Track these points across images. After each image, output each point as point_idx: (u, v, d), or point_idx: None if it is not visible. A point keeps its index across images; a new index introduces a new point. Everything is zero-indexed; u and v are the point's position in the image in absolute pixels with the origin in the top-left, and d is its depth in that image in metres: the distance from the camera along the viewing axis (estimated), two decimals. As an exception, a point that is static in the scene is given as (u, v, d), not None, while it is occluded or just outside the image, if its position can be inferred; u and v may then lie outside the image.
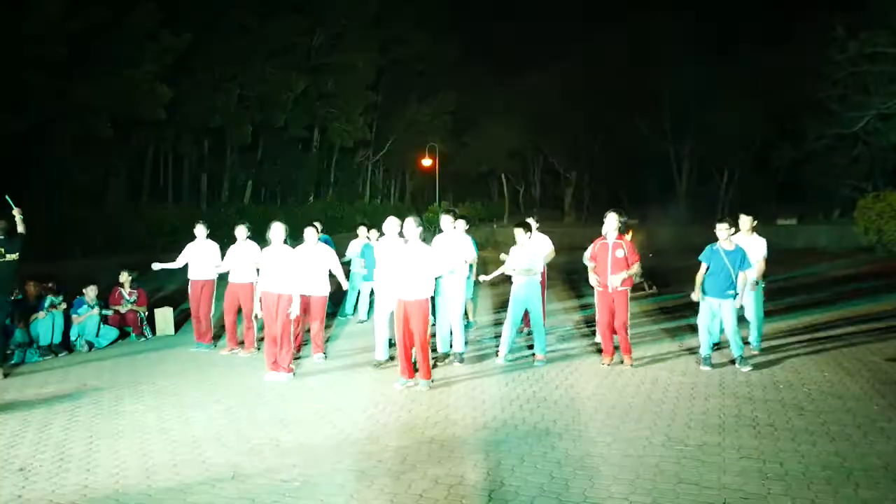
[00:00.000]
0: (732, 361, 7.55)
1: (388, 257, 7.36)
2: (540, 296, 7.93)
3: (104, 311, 9.83)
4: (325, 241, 9.77)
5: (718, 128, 36.07)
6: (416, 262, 6.80)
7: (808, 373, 7.22)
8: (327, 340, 9.35)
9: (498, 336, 8.46)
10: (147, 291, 10.84)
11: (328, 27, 33.38)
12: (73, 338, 9.43)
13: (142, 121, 24.63)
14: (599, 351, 8.07)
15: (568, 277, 15.21)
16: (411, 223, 6.92)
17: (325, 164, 39.00)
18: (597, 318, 7.93)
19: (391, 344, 7.93)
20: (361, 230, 11.36)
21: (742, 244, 7.62)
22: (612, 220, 7.59)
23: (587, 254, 7.80)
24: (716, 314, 7.46)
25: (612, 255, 7.53)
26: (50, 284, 9.62)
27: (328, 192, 38.93)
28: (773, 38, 31.65)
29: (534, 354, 7.94)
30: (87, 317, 9.53)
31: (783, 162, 33.27)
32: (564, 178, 47.19)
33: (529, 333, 8.45)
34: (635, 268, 7.58)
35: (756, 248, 7.90)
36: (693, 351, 8.23)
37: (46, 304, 9.24)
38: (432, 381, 7.00)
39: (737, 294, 7.31)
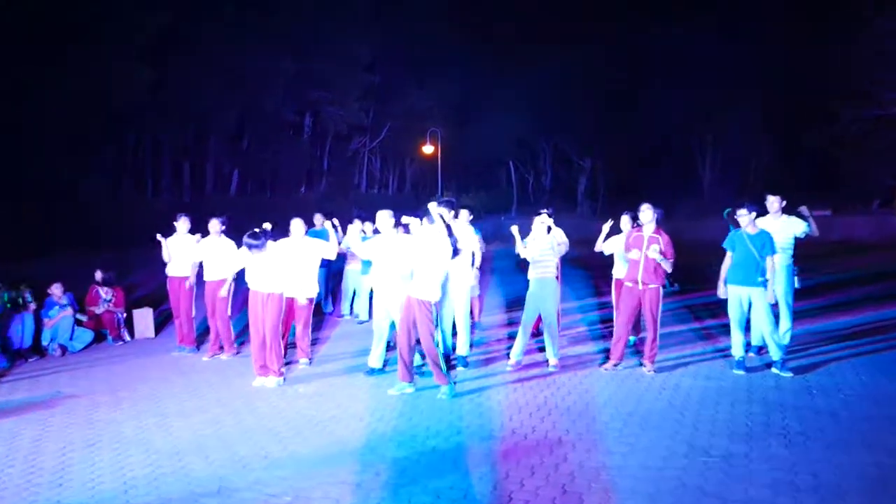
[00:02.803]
0: (769, 365, 7.53)
1: (390, 253, 7.36)
2: (555, 296, 7.90)
3: (78, 316, 9.83)
4: (319, 236, 9.77)
5: (745, 112, 35.92)
6: (431, 256, 6.82)
7: (844, 377, 7.21)
8: (314, 343, 9.36)
9: (506, 338, 8.45)
10: (125, 290, 10.85)
11: (321, 4, 33.34)
12: (45, 342, 9.46)
13: (120, 106, 24.64)
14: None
15: (582, 273, 15.21)
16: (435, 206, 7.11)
17: (318, 152, 39.00)
18: (618, 316, 7.87)
19: (389, 347, 7.94)
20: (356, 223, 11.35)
21: (772, 227, 7.65)
22: (647, 211, 7.54)
23: (606, 242, 7.77)
24: (744, 308, 7.43)
25: (648, 249, 7.49)
26: (21, 287, 9.62)
27: (321, 183, 38.94)
28: (803, 16, 31.59)
29: (547, 360, 7.93)
30: (60, 318, 9.56)
31: (816, 148, 33.13)
32: (577, 165, 47.14)
33: (538, 333, 8.44)
34: (668, 264, 7.51)
35: (789, 228, 7.92)
36: (723, 353, 8.22)
37: (6, 298, 9.23)
38: (455, 384, 7.00)
39: (766, 281, 7.28)
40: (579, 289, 13.84)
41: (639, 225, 7.76)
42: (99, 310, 10.16)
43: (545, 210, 9.00)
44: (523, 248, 7.87)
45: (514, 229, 8.02)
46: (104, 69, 22.70)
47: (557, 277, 8.08)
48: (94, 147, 25.71)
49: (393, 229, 7.60)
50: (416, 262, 6.89)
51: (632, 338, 8.51)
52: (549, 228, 7.92)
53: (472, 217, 8.50)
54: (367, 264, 9.84)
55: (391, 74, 39.32)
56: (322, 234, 10.61)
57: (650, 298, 7.50)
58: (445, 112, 41.84)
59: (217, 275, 8.76)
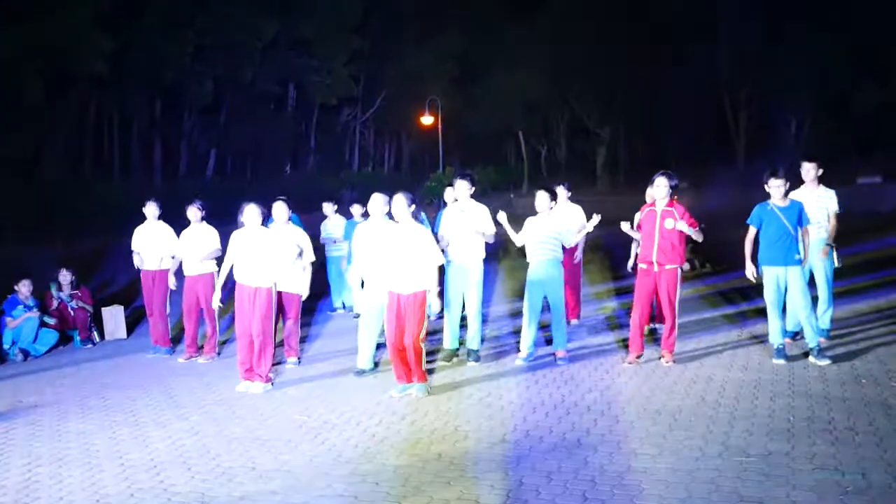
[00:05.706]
0: (806, 354, 7.53)
1: (376, 242, 7.37)
2: (562, 279, 7.94)
3: (45, 318, 9.82)
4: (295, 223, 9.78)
5: (785, 65, 35.56)
6: (410, 248, 6.82)
7: (897, 364, 7.22)
8: (302, 340, 9.38)
9: (516, 331, 8.49)
10: (91, 289, 10.84)
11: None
12: (5, 345, 9.49)
13: (79, 76, 24.54)
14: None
15: (602, 255, 15.21)
16: (402, 200, 6.94)
17: (304, 127, 38.94)
18: (634, 303, 7.87)
19: (379, 346, 7.96)
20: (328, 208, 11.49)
21: (805, 198, 7.63)
22: (661, 186, 7.51)
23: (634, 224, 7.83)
24: (782, 289, 7.43)
25: (661, 225, 7.47)
26: None
27: (308, 161, 38.91)
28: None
29: (553, 353, 7.98)
30: (24, 320, 9.56)
31: (866, 108, 32.91)
32: (595, 135, 46.96)
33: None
34: (693, 232, 7.46)
35: (823, 201, 7.89)
36: (760, 340, 8.22)
37: None
38: (430, 386, 7.05)
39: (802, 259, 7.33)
40: (598, 273, 13.84)
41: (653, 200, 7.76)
42: (56, 303, 10.10)
43: (560, 186, 9.05)
44: (518, 238, 7.93)
45: (503, 218, 7.95)
46: (65, 38, 22.50)
47: (576, 262, 8.09)
48: (54, 124, 25.58)
49: (385, 215, 7.58)
50: (400, 253, 6.88)
51: (646, 327, 8.49)
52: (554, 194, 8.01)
53: (473, 189, 8.09)
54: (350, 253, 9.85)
55: (383, 36, 39.10)
56: (297, 221, 10.62)
57: (667, 281, 7.47)
58: (446, 78, 41.63)
59: (199, 268, 8.76)
